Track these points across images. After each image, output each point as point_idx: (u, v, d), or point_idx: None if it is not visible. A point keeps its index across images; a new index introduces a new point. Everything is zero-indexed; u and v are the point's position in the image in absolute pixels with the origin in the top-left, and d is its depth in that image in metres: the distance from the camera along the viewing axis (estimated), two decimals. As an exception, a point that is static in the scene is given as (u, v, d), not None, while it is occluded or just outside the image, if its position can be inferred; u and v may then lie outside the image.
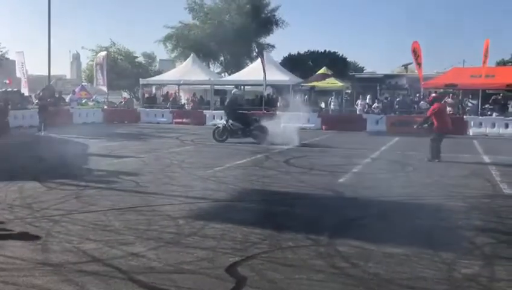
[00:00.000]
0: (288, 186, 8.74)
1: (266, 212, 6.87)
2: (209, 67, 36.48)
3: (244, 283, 4.20)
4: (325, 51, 40.63)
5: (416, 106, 24.10)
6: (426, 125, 12.62)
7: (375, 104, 24.37)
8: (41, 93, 20.82)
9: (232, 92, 18.15)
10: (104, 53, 30.61)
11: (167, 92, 33.24)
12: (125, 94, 39.12)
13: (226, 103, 17.70)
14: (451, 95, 24.27)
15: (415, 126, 13.17)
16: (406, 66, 37.02)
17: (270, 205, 7.41)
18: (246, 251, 5.03)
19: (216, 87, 29.74)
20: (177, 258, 4.77)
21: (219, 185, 8.68)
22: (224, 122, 15.97)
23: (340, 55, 41.04)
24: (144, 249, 5.02)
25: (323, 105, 27.87)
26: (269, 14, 37.72)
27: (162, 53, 58.48)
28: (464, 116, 21.81)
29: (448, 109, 22.72)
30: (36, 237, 5.38)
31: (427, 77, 24.38)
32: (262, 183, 8.99)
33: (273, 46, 38.30)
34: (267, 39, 38.81)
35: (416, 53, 22.20)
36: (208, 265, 4.61)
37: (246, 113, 16.67)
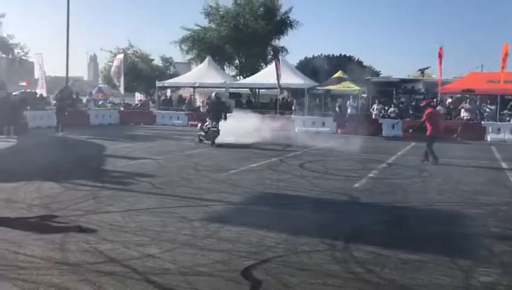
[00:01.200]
0: (303, 190, 8.73)
1: (281, 216, 6.87)
2: (224, 70, 36.62)
3: (259, 287, 4.20)
4: (340, 54, 40.56)
5: None
6: (419, 129, 13.15)
7: (392, 109, 24.19)
8: (59, 95, 21.12)
9: (214, 94, 17.01)
10: (121, 55, 30.95)
11: (180, 95, 33.36)
12: (141, 96, 39.40)
13: (213, 106, 16.18)
14: (468, 100, 23.99)
15: (410, 130, 13.51)
16: (422, 71, 36.64)
17: (285, 208, 7.40)
18: (261, 254, 5.04)
19: (231, 90, 29.84)
20: (193, 260, 4.80)
21: (234, 188, 8.70)
22: (216, 125, 15.52)
23: (356, 59, 40.91)
24: (160, 250, 5.06)
25: (338, 109, 27.74)
26: (283, 17, 37.74)
27: (177, 55, 58.82)
28: (482, 122, 21.54)
29: (466, 114, 22.53)
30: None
31: (444, 82, 24.13)
32: (277, 186, 8.99)
33: (286, 50, 38.27)
34: (282, 42, 38.82)
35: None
36: (223, 268, 4.62)
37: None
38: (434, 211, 7.41)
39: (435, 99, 25.55)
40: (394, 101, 25.49)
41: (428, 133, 12.57)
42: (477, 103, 25.57)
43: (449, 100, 25.76)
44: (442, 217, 7.07)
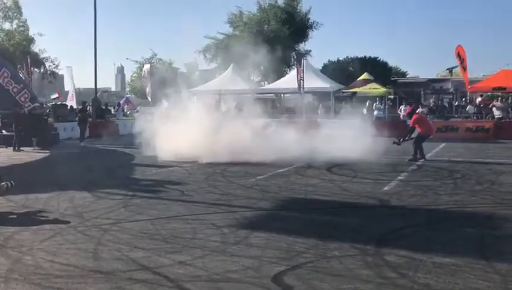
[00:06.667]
0: (332, 194, 8.66)
1: (310, 221, 6.82)
2: (249, 76, 36.79)
3: (290, 293, 4.19)
4: (365, 56, 40.14)
5: (458, 109, 23.41)
6: (408, 135, 13.55)
7: (420, 109, 23.76)
8: (80, 106, 22.01)
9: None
10: (148, 65, 31.48)
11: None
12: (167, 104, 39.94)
13: None
14: (499, 98, 23.41)
15: (401, 139, 13.60)
16: (450, 70, 35.99)
17: (314, 213, 7.34)
18: (292, 260, 5.01)
19: (256, 95, 29.91)
20: (223, 266, 4.81)
21: (262, 193, 8.70)
22: None
23: (381, 60, 40.43)
24: (191, 257, 5.10)
25: (365, 111, 27.46)
26: (304, 20, 37.64)
27: (201, 63, 59.20)
28: (514, 120, 20.96)
29: (498, 112, 21.97)
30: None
31: (474, 81, 23.61)
32: (305, 191, 8.94)
33: (309, 51, 38.15)
34: (306, 45, 38.80)
35: (460, 57, 21.56)
36: (254, 274, 4.62)
37: None
38: (468, 213, 7.22)
39: (464, 99, 25.07)
40: (422, 101, 25.11)
41: (420, 133, 13.21)
42: (509, 101, 24.94)
43: (479, 99, 25.19)
44: (477, 219, 6.88)
